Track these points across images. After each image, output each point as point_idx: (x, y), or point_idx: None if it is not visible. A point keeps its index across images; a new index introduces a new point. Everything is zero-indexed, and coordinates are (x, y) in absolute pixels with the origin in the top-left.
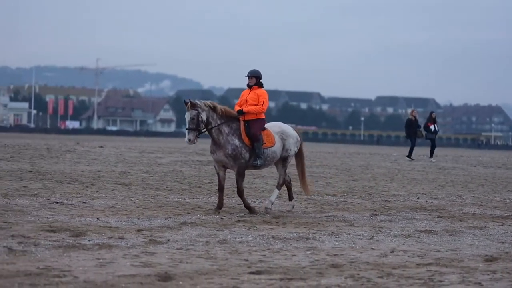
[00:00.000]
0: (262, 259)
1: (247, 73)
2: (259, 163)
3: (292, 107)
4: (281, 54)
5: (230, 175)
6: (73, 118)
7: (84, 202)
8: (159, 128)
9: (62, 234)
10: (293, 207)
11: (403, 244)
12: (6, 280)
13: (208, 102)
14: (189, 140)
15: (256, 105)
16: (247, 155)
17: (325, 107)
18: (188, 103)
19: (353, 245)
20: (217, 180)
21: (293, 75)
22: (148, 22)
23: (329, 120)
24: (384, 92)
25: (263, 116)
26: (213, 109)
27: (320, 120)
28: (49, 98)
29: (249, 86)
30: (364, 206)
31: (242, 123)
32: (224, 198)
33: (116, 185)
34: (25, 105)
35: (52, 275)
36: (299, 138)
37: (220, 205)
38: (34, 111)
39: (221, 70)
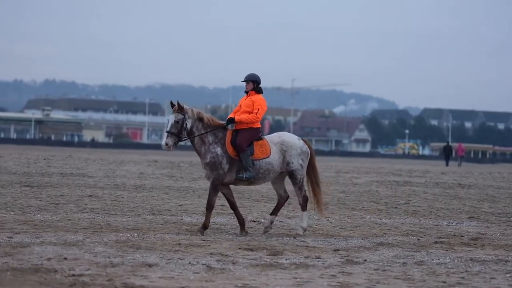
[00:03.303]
0: (460, 281)
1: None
2: (245, 176)
3: (489, 127)
4: (477, 72)
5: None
6: None
7: (281, 221)
8: (354, 148)
9: (259, 252)
10: (271, 222)
11: None
12: None
13: (195, 110)
14: (166, 144)
15: (250, 112)
16: (226, 167)
17: None
18: (175, 105)
19: None
20: (226, 200)
21: (491, 95)
22: (342, 41)
23: None
24: None
25: (257, 125)
26: (200, 119)
27: None
28: None
29: (246, 92)
30: None
31: (229, 132)
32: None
33: (312, 205)
34: None
35: None
36: (304, 149)
37: (242, 223)
38: None
39: (417, 89)
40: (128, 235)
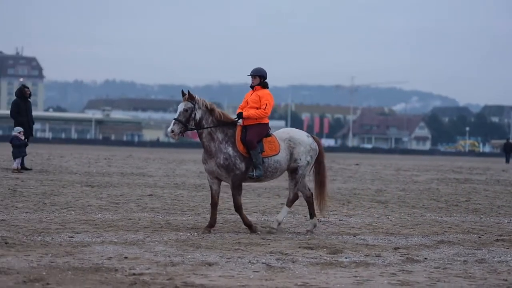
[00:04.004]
0: None
1: (250, 72)
2: (255, 174)
3: None
4: None
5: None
6: (329, 136)
7: (341, 220)
8: (414, 145)
9: (319, 251)
10: (314, 226)
11: None
12: None
13: (207, 102)
14: (172, 131)
15: (258, 108)
16: (242, 166)
17: None
18: (186, 94)
19: None
20: (210, 195)
21: None
22: (401, 40)
23: None
24: None
25: (265, 121)
26: (210, 111)
27: None
28: (305, 116)
29: (252, 87)
30: None
31: (239, 128)
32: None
33: (372, 203)
34: (282, 123)
35: None
36: (314, 147)
37: (212, 223)
38: None
39: (477, 86)
40: (188, 234)
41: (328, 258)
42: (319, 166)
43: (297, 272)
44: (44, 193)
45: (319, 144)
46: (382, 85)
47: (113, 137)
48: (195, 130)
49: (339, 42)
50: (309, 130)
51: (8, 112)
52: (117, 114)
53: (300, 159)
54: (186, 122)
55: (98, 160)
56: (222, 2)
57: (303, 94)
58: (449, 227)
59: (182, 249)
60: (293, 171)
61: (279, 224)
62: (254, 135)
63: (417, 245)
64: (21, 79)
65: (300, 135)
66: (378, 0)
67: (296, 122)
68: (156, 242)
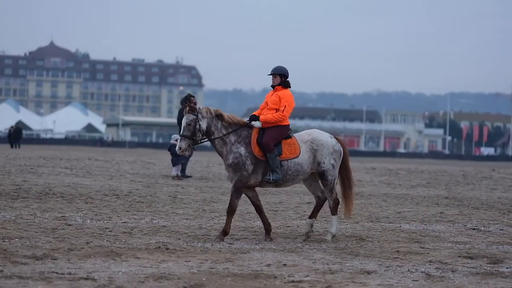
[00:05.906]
0: None
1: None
2: (272, 178)
3: None
4: None
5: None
6: (488, 144)
7: (501, 229)
8: None
9: (479, 260)
10: (311, 226)
11: None
12: None
13: (212, 109)
14: (180, 148)
15: (277, 109)
16: (250, 168)
17: None
18: (186, 106)
19: None
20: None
21: None
22: None
23: None
24: None
25: (286, 123)
26: (218, 116)
27: None
28: (464, 124)
29: (273, 87)
30: None
31: (256, 130)
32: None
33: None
34: (440, 131)
35: None
36: (337, 148)
37: (268, 228)
38: (448, 138)
39: None
40: (347, 242)
41: (489, 268)
42: (345, 169)
43: (456, 282)
44: (203, 200)
45: (343, 145)
46: None
47: None
48: (208, 141)
49: (498, 49)
50: (468, 139)
51: (168, 119)
52: None
53: (324, 163)
54: (192, 135)
55: None
56: (383, 9)
57: (462, 102)
58: None
59: (341, 256)
60: (321, 177)
61: (333, 236)
62: (271, 137)
63: None
64: (181, 88)
65: (323, 136)
66: None
67: (455, 130)
68: (315, 250)
